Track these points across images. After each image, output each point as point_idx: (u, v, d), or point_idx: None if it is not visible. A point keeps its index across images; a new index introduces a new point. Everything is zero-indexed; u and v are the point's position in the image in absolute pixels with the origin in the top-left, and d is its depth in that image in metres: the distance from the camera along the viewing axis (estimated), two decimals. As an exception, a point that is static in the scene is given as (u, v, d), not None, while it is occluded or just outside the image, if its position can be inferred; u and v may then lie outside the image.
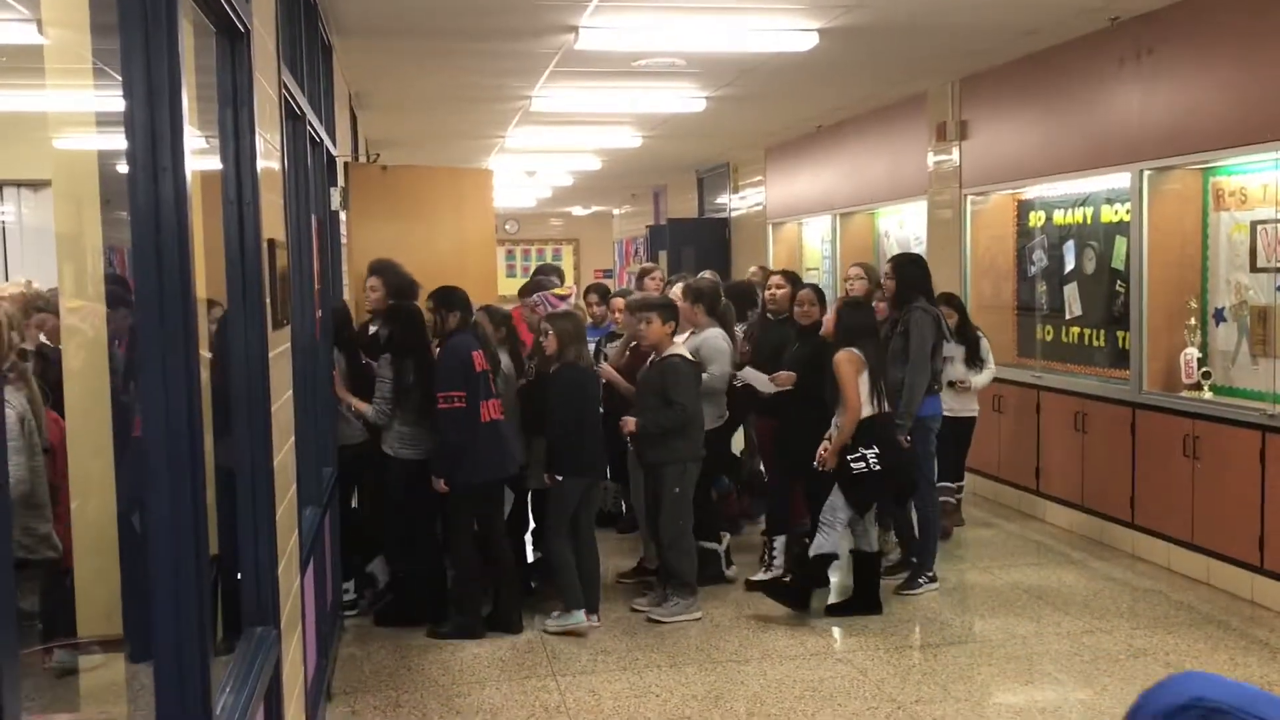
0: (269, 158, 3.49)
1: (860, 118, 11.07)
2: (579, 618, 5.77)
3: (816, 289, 6.66)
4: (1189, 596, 6.26)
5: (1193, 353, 6.81)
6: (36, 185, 4.23)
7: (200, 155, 3.23)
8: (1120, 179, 7.37)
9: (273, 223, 3.50)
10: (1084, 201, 8.07)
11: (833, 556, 5.96)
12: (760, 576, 6.47)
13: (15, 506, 3.39)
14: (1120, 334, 7.58)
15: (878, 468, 5.77)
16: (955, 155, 9.21)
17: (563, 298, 6.68)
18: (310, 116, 5.07)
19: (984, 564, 7.01)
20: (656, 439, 5.87)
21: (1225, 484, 6.32)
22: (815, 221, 13.00)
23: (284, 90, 4.04)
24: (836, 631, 5.80)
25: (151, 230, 2.12)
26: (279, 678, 3.24)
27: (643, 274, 8.49)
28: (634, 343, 6.45)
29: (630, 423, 5.88)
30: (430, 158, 13.58)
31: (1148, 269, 7.04)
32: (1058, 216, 8.41)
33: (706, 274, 8.92)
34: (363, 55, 7.64)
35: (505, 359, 6.15)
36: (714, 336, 6.43)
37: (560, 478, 5.74)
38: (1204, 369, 6.78)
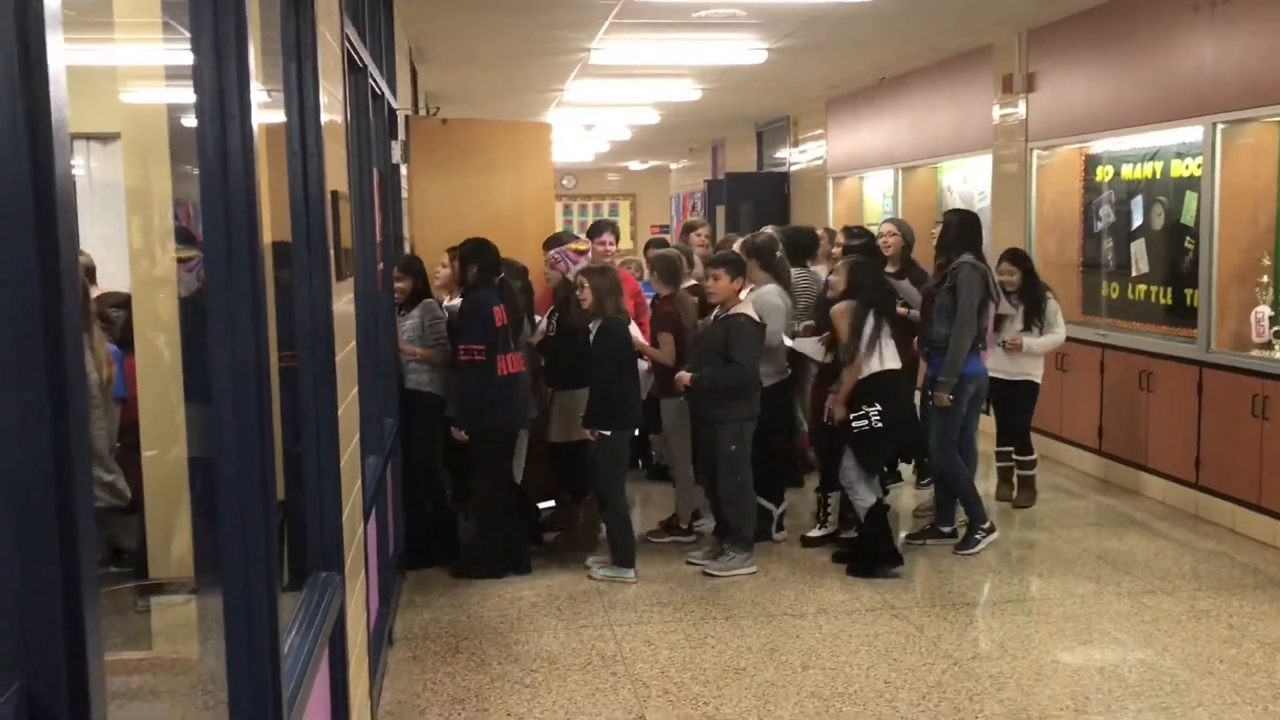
0: (332, 110, 3.52)
1: (924, 69, 10.89)
2: (629, 575, 5.89)
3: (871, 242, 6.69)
4: (1255, 559, 6.16)
5: (1264, 311, 6.66)
6: (105, 138, 4.29)
7: (265, 108, 3.27)
8: (1192, 132, 7.19)
9: (336, 175, 3.53)
10: (1153, 156, 7.88)
11: (881, 507, 5.96)
12: (814, 533, 6.48)
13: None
14: (1189, 292, 7.42)
15: (880, 425, 5.73)
16: (1022, 108, 9.03)
17: (580, 253, 6.67)
18: (372, 69, 5.09)
19: (1044, 522, 6.95)
20: (714, 396, 5.87)
21: (1294, 445, 6.19)
22: (877, 176, 12.84)
23: (346, 43, 4.06)
24: (892, 588, 5.79)
25: (220, 180, 2.15)
26: (343, 622, 3.31)
27: (688, 229, 8.44)
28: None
29: (685, 377, 5.89)
30: (489, 111, 13.58)
31: (1219, 225, 6.87)
32: (1126, 171, 8.22)
33: (767, 229, 8.87)
34: (423, 7, 7.64)
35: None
36: (769, 293, 6.39)
37: (607, 432, 5.80)
38: (1276, 328, 6.63)
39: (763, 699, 4.45)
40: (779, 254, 6.62)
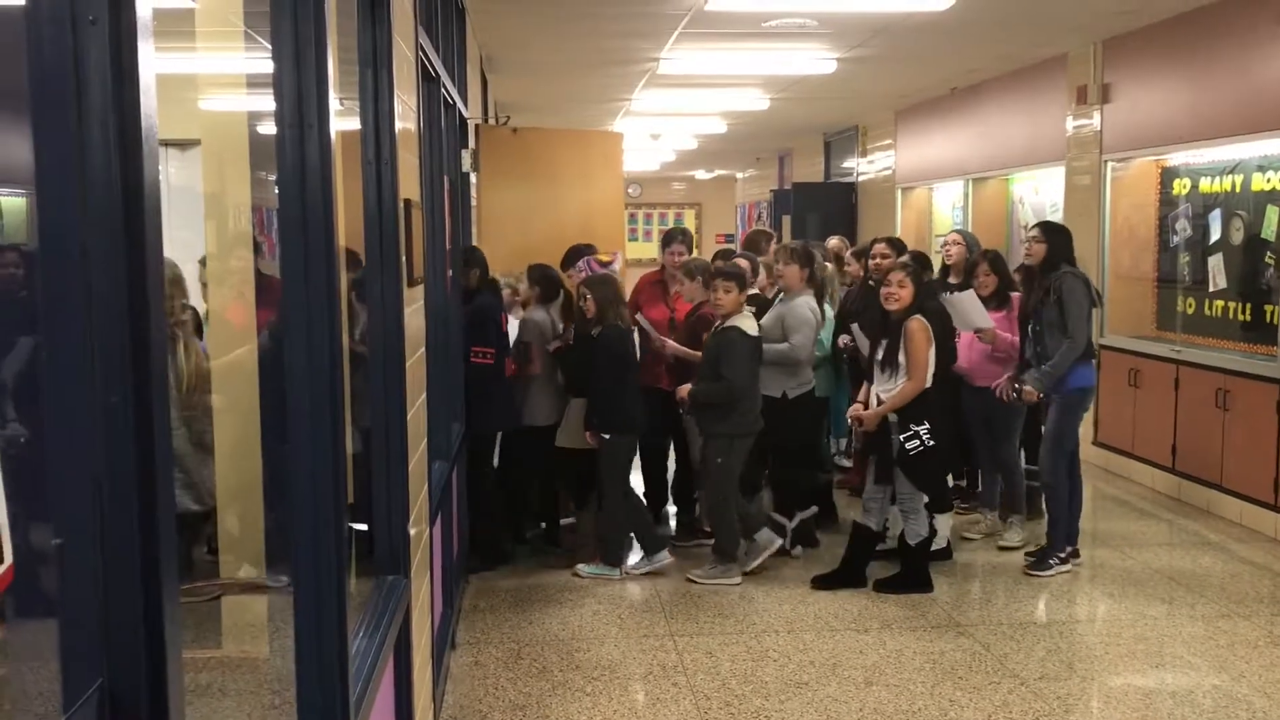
0: (406, 119, 3.56)
1: (996, 79, 10.76)
2: (614, 574, 6.08)
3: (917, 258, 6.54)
4: (1335, 584, 5.99)
5: (1348, 329, 6.47)
6: (184, 145, 4.38)
7: (341, 116, 3.32)
8: (1274, 144, 7.02)
9: (409, 183, 3.57)
10: (1233, 169, 7.70)
11: (929, 538, 5.88)
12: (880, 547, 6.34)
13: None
14: (1269, 308, 7.24)
15: (932, 443, 5.61)
16: (1096, 119, 8.88)
17: (605, 264, 6.65)
18: (444, 78, 5.14)
19: (1114, 542, 6.81)
20: (707, 408, 5.92)
21: (1379, 468, 6.01)
22: (946, 187, 12.71)
23: (420, 52, 4.10)
24: (958, 605, 5.71)
25: (297, 186, 2.18)
26: (408, 625, 3.34)
27: (756, 238, 8.39)
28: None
29: (683, 389, 5.99)
30: (557, 121, 13.66)
31: (1301, 240, 6.70)
32: (1204, 184, 8.05)
33: (833, 240, 8.81)
34: (494, 17, 7.71)
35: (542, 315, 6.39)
36: (800, 305, 6.25)
37: (607, 436, 5.93)
38: (1359, 346, 6.45)
39: (825, 714, 4.41)
40: (819, 261, 6.50)
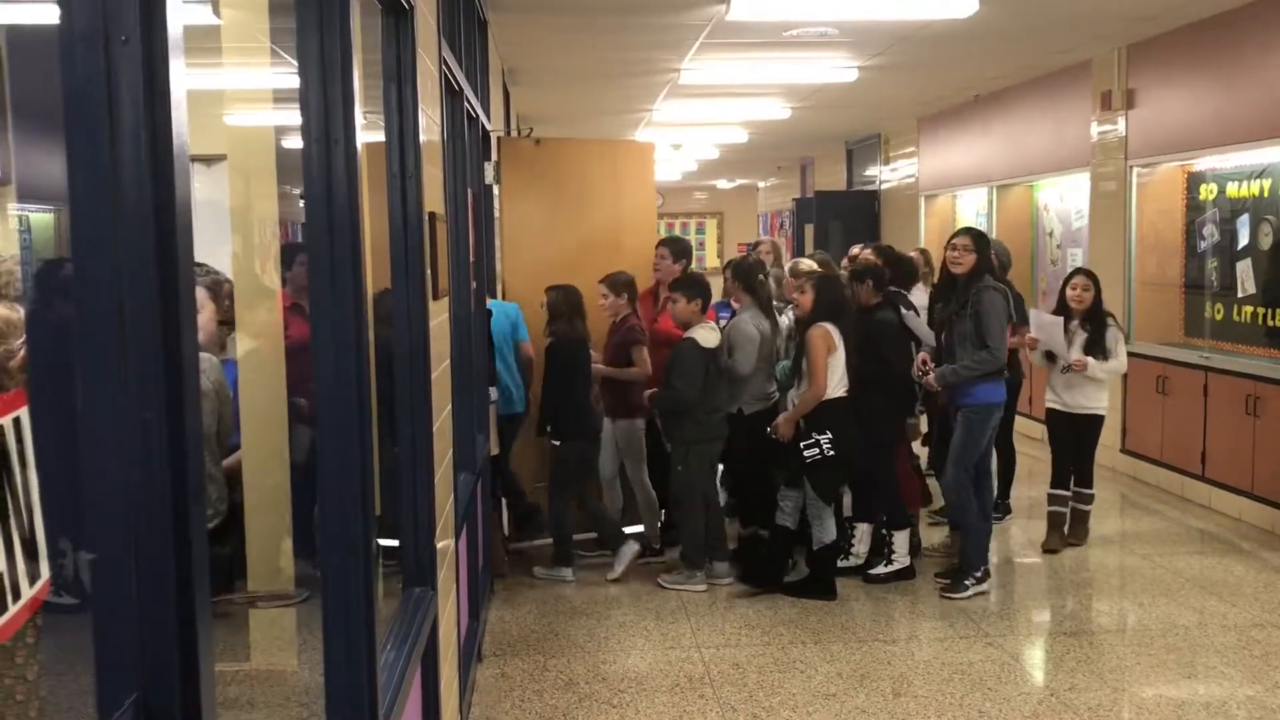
0: (430, 132, 3.58)
1: (1019, 86, 10.71)
2: (566, 574, 6.23)
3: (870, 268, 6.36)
4: (1369, 592, 5.91)
5: (1378, 334, 6.40)
6: (210, 160, 4.41)
7: (366, 130, 3.33)
8: (1302, 149, 6.96)
9: (433, 196, 3.59)
10: (1261, 173, 7.64)
11: (836, 544, 5.87)
12: (841, 563, 6.11)
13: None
14: (1298, 313, 7.17)
15: (832, 454, 5.56)
16: (1121, 125, 8.83)
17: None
18: (467, 91, 5.16)
19: (1143, 550, 6.75)
20: (666, 417, 6.03)
21: None
22: (970, 194, 12.66)
23: (444, 66, 4.12)
24: (986, 615, 5.67)
25: (324, 199, 2.20)
26: (435, 638, 3.35)
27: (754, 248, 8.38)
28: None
29: (645, 397, 6.12)
30: (579, 131, 13.68)
31: (1331, 245, 6.63)
32: (1231, 189, 7.99)
33: (855, 249, 8.75)
34: (516, 30, 7.74)
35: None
36: (742, 322, 6.14)
37: (556, 443, 6.08)
38: (1391, 351, 6.37)
39: (853, 725, 4.38)
40: (763, 277, 6.33)
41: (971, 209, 12.75)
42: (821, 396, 5.59)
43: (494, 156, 6.91)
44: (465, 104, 5.22)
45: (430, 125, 3.62)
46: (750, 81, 10.11)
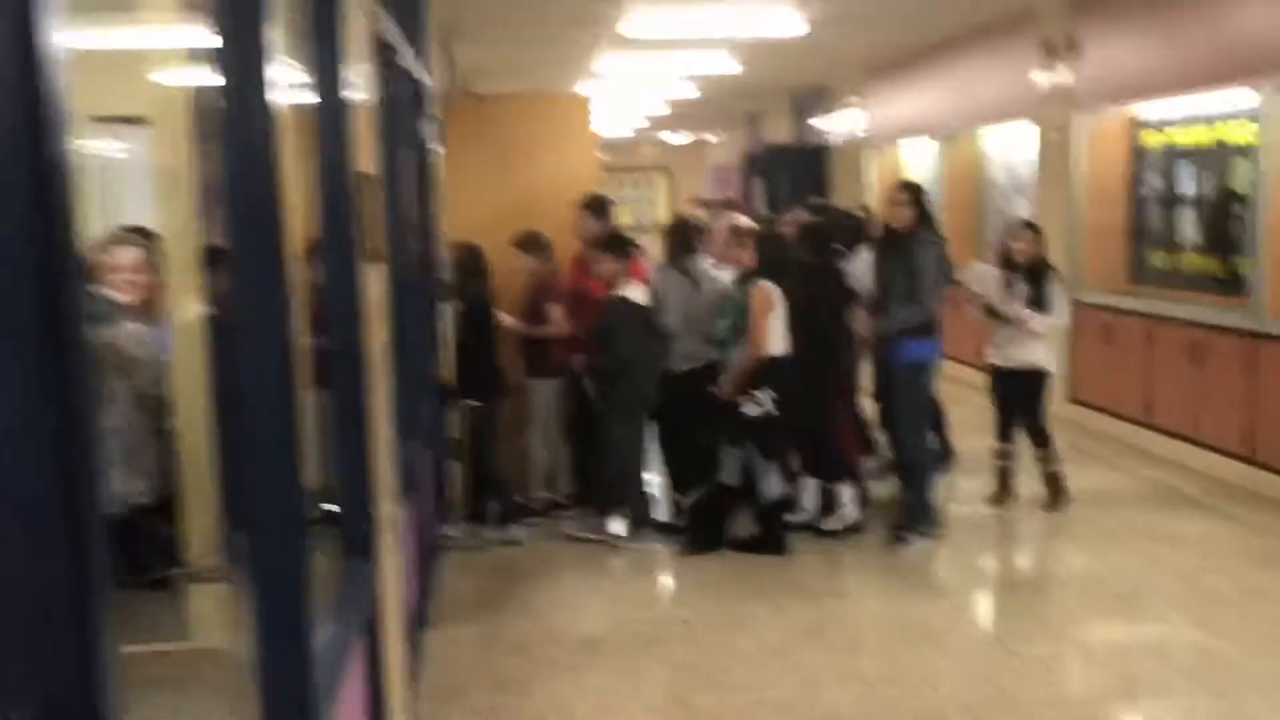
0: (358, 90, 3.46)
1: (965, 36, 10.66)
2: (516, 534, 6.24)
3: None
4: (1310, 534, 6.00)
5: (1319, 279, 6.46)
6: (132, 121, 4.26)
7: (292, 89, 3.21)
8: (1244, 96, 6.98)
9: (364, 157, 3.47)
10: (1204, 121, 7.67)
11: (785, 501, 5.88)
12: (790, 519, 6.06)
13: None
14: (1239, 260, 7.23)
15: (774, 411, 5.55)
16: (1065, 73, 8.82)
17: None
18: (401, 47, 5.01)
19: (1090, 499, 6.79)
20: (602, 379, 5.98)
21: (1352, 417, 6.02)
22: (918, 146, 12.65)
23: (374, 22, 3.99)
24: (938, 569, 5.69)
25: (243, 162, 2.09)
26: (378, 607, 3.28)
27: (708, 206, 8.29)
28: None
29: (577, 360, 6.08)
30: (524, 88, 13.46)
31: (1273, 192, 6.67)
32: (1174, 136, 8.03)
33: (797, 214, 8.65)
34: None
35: None
36: (669, 280, 6.11)
37: (476, 404, 6.11)
38: (1331, 296, 6.44)
39: (807, 683, 4.38)
40: (696, 238, 6.24)
41: (920, 160, 12.74)
42: (763, 355, 5.56)
43: (433, 114, 6.74)
44: (399, 60, 5.08)
45: (359, 83, 3.50)
46: (694, 34, 9.96)
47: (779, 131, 17.52)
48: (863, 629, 4.91)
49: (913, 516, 5.89)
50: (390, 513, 3.69)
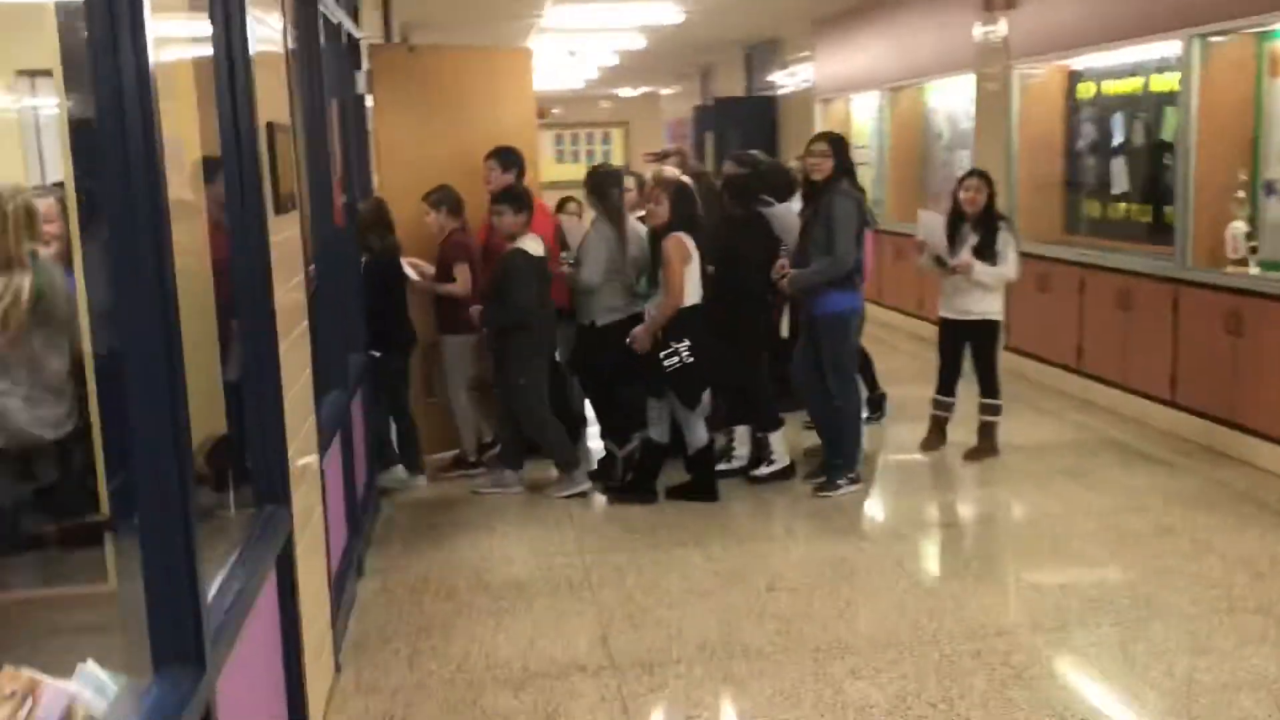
0: (266, 41, 3.46)
1: (907, -12, 10.71)
2: (418, 481, 6.47)
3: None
4: (1227, 475, 6.17)
5: (1239, 226, 6.58)
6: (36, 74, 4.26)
7: (190, 40, 3.22)
8: (1172, 47, 7.07)
9: (272, 106, 3.48)
10: (1134, 71, 7.77)
11: (709, 446, 5.98)
12: (722, 466, 6.22)
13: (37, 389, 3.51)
14: (1167, 209, 7.36)
15: (691, 360, 5.62)
16: (1003, 25, 8.88)
17: None
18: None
19: (1018, 444, 6.93)
20: (499, 333, 6.00)
21: (1269, 361, 6.17)
22: (864, 99, 12.69)
23: (285, -30, 3.97)
24: (864, 513, 5.81)
25: (115, 113, 2.11)
26: (291, 554, 3.33)
27: (660, 158, 8.32)
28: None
29: (473, 312, 6.11)
30: (468, 39, 13.35)
31: (1196, 140, 6.78)
32: (1107, 87, 8.12)
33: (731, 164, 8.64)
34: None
35: None
36: (590, 238, 6.16)
37: (377, 354, 6.06)
38: (1252, 243, 6.57)
39: (724, 621, 4.49)
40: (618, 190, 6.23)
41: (866, 113, 12.79)
42: (679, 305, 5.62)
43: (364, 66, 6.72)
44: (322, 10, 5.06)
45: (266, 32, 3.50)
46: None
47: (731, 85, 17.50)
48: (785, 570, 5.02)
49: (836, 463, 5.99)
50: (306, 461, 3.74)
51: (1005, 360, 8.64)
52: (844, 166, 5.79)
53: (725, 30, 14.17)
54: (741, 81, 16.93)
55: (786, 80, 14.92)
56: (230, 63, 3.11)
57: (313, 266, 4.56)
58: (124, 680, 2.30)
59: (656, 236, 5.66)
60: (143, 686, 2.22)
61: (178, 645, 2.24)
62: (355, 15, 6.53)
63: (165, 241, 2.18)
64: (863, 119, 12.94)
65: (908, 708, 3.76)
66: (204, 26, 3.10)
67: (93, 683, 2.41)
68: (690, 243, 5.64)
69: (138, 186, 2.13)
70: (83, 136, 2.13)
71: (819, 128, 13.60)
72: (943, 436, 6.76)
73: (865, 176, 12.81)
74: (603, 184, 6.17)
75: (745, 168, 6.33)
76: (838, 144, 5.84)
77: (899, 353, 9.73)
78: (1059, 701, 3.77)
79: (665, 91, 23.95)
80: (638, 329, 5.77)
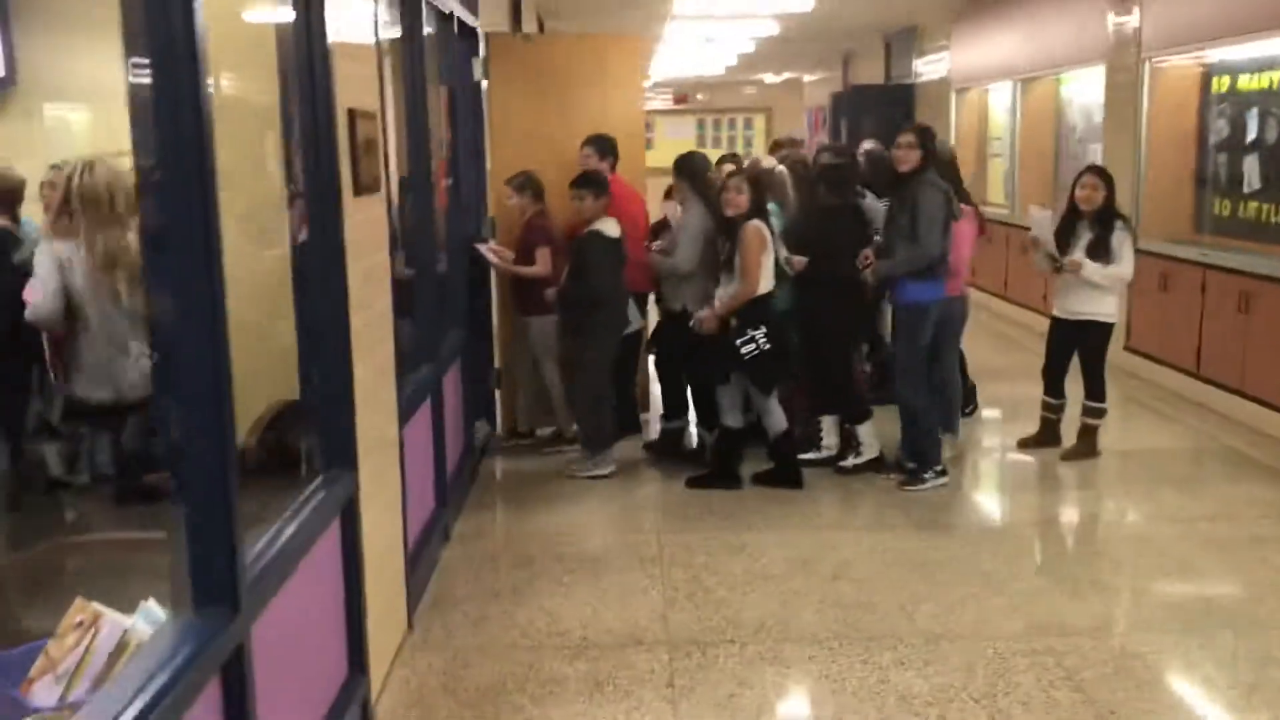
0: (350, 30, 3.67)
1: (1043, -24, 10.45)
2: None
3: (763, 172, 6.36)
4: (1339, 489, 5.93)
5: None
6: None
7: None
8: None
9: (356, 93, 3.70)
10: (1270, 66, 7.45)
11: (790, 431, 6.01)
12: (810, 455, 6.27)
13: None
14: (1298, 209, 7.06)
15: (769, 347, 5.64)
16: (1135, 16, 8.60)
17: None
18: (430, -11, 5.22)
19: (1124, 448, 6.76)
20: (574, 307, 6.13)
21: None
22: (999, 89, 12.43)
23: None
24: (945, 508, 5.77)
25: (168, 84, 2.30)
26: (354, 515, 3.56)
27: (776, 146, 8.37)
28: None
29: (549, 292, 6.27)
30: (604, 27, 13.57)
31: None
32: (1242, 82, 7.81)
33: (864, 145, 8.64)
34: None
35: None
36: (688, 219, 6.20)
37: None
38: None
39: (785, 605, 4.58)
40: (711, 174, 6.30)
41: (1002, 105, 12.51)
42: (755, 293, 5.68)
43: (481, 53, 6.96)
44: (427, 2, 5.29)
45: (350, 21, 3.72)
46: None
47: (872, 72, 17.30)
48: (855, 560, 5.06)
49: (913, 456, 5.97)
50: (380, 430, 3.97)
51: (1126, 362, 8.46)
52: (930, 157, 5.76)
53: (861, 17, 14.03)
54: (881, 69, 16.72)
55: (925, 69, 14.68)
56: (311, 50, 3.34)
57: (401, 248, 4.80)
58: (172, 616, 2.56)
59: (733, 225, 5.73)
60: (184, 623, 2.45)
61: (214, 589, 2.47)
62: (474, 4, 6.76)
63: (212, 215, 2.39)
64: (998, 110, 12.68)
65: (949, 700, 3.79)
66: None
67: (150, 618, 2.69)
68: (767, 231, 5.71)
69: (190, 162, 2.33)
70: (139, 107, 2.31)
71: (953, 118, 13.40)
72: (1055, 437, 6.60)
73: (997, 169, 12.62)
74: (695, 170, 6.25)
75: (842, 159, 6.34)
76: (925, 135, 5.81)
77: (1022, 350, 9.53)
78: (1104, 704, 3.74)
79: (808, 78, 23.77)
80: (703, 312, 5.84)
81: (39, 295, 3.91)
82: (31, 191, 4.65)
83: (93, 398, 3.99)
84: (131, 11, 2.28)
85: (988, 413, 7.55)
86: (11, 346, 4.28)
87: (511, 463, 6.71)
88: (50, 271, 3.89)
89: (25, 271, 4.02)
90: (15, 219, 4.60)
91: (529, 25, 10.91)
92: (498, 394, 7.13)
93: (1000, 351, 9.69)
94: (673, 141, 24.33)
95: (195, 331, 2.39)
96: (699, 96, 26.24)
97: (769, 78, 24.65)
